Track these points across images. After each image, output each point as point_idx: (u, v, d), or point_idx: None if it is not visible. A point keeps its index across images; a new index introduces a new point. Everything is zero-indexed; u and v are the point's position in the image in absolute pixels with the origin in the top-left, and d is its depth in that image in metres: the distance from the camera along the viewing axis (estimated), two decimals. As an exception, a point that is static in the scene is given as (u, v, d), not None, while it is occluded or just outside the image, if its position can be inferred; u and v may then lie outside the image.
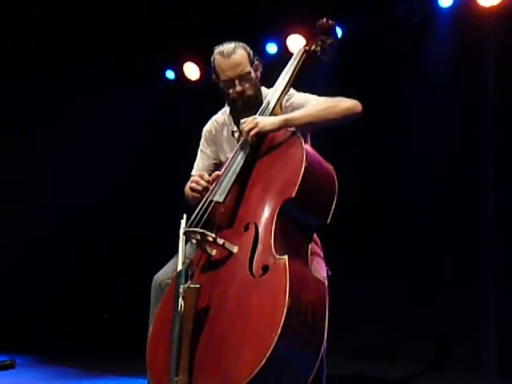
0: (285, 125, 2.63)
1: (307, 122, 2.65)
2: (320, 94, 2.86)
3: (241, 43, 2.89)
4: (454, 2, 4.83)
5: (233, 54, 2.83)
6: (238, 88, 2.85)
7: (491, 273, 4.63)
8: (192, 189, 2.74)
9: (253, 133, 2.62)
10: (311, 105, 2.76)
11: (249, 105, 2.88)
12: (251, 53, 2.90)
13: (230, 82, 2.86)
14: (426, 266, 4.80)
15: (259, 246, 2.38)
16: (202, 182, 2.71)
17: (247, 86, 2.86)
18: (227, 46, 2.86)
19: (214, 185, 2.70)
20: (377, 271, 4.95)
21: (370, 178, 5.10)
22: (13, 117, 6.33)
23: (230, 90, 2.87)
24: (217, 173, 2.73)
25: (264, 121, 2.65)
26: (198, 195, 2.70)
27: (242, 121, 2.71)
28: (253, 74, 2.88)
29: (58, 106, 6.36)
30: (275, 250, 2.32)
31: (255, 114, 2.80)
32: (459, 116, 4.82)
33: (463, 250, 4.75)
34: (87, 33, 5.97)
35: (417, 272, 4.81)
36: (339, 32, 4.82)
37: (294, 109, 2.81)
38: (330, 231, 2.61)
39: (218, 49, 2.88)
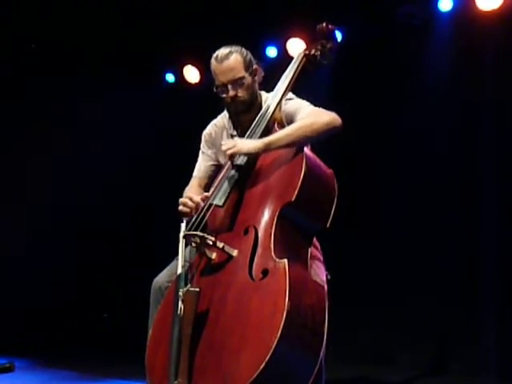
0: (265, 149, 2.61)
1: (287, 143, 2.61)
2: (319, 98, 2.86)
3: (238, 47, 2.88)
4: (453, 6, 4.84)
5: (225, 60, 2.83)
6: (231, 93, 2.84)
7: (491, 274, 4.64)
8: (180, 212, 2.70)
9: (229, 153, 2.62)
10: (300, 116, 2.73)
11: (243, 109, 2.87)
12: (248, 57, 2.88)
13: (223, 87, 2.86)
14: (425, 267, 4.80)
15: (259, 250, 2.38)
16: (190, 204, 2.68)
17: (240, 90, 2.84)
18: (222, 51, 2.86)
19: (213, 189, 2.70)
20: (376, 273, 4.95)
21: (370, 179, 5.11)
22: (13, 117, 6.34)
23: (224, 95, 2.88)
24: (206, 194, 2.72)
25: (243, 143, 2.64)
26: (187, 218, 2.66)
27: (222, 142, 2.74)
28: (247, 79, 2.86)
29: (59, 108, 6.37)
30: (275, 254, 2.32)
31: (255, 118, 2.81)
32: (459, 118, 4.83)
33: (463, 251, 4.76)
34: (88, 36, 5.97)
35: (416, 274, 4.82)
36: (339, 36, 4.83)
37: (286, 115, 2.81)
38: (329, 234, 2.61)
39: (215, 53, 2.89)
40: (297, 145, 2.59)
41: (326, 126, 2.64)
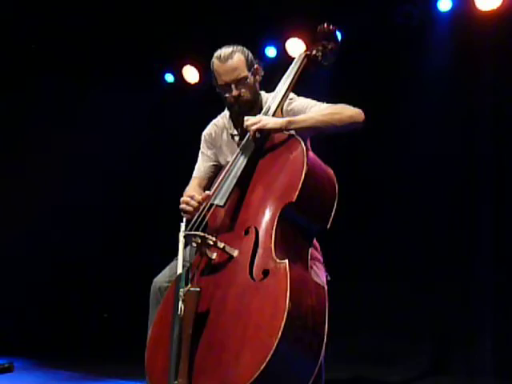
0: (287, 126, 2.64)
1: (310, 126, 2.66)
2: (320, 99, 2.87)
3: (240, 47, 2.89)
4: (452, 6, 4.84)
5: (229, 59, 2.84)
6: (234, 92, 2.85)
7: (489, 276, 4.64)
8: (183, 210, 2.70)
9: (254, 127, 2.63)
10: (314, 109, 2.76)
11: (246, 108, 2.88)
12: (250, 57, 2.89)
13: (227, 87, 2.86)
14: (424, 269, 4.81)
15: (259, 250, 2.38)
16: (193, 203, 2.68)
17: (243, 90, 2.85)
18: (224, 51, 2.87)
19: (214, 189, 2.70)
20: (375, 275, 4.95)
21: (370, 180, 5.11)
22: (13, 117, 6.34)
23: (227, 94, 2.88)
24: (207, 192, 2.71)
25: (267, 119, 2.67)
26: (189, 216, 2.67)
27: (245, 118, 2.71)
28: (250, 79, 2.87)
29: (59, 108, 6.37)
30: (275, 254, 2.33)
31: (256, 116, 2.82)
32: (458, 118, 4.83)
33: (462, 253, 4.75)
34: (87, 36, 5.97)
35: (415, 275, 4.82)
36: (340, 37, 4.83)
37: (295, 113, 2.81)
38: (329, 234, 2.61)
39: (217, 53, 2.89)
40: (319, 130, 2.62)
41: (350, 118, 2.68)
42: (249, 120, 2.67)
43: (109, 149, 6.31)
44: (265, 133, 2.66)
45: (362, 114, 2.72)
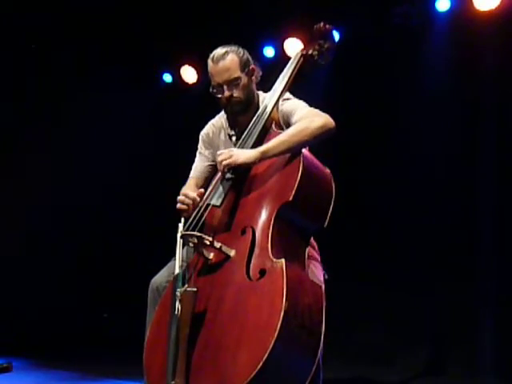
0: (261, 157, 2.58)
1: (282, 151, 2.58)
2: (316, 98, 2.86)
3: (234, 47, 2.87)
4: (451, 6, 4.84)
5: (221, 60, 2.82)
6: (226, 93, 2.83)
7: (489, 274, 4.65)
8: (179, 209, 2.70)
9: (225, 163, 2.58)
10: (298, 114, 2.72)
11: (239, 109, 2.87)
12: (246, 57, 2.87)
13: (219, 87, 2.85)
14: (423, 269, 4.81)
15: (256, 250, 2.39)
16: (188, 201, 2.68)
17: (235, 91, 2.83)
18: (218, 51, 2.85)
19: (210, 188, 2.70)
20: (374, 275, 4.95)
21: (368, 179, 5.11)
22: (13, 117, 6.35)
23: (219, 95, 2.87)
24: (201, 190, 2.72)
25: (239, 154, 2.60)
26: (187, 214, 2.67)
27: (218, 152, 2.70)
28: (243, 80, 2.84)
29: (58, 108, 6.38)
30: (272, 254, 2.33)
31: (252, 117, 2.81)
32: (457, 118, 4.83)
33: (460, 254, 4.76)
34: (86, 36, 5.98)
35: (414, 275, 4.82)
36: (337, 36, 4.83)
37: (283, 116, 2.80)
38: (327, 234, 2.62)
39: (211, 54, 2.88)
40: (293, 151, 2.57)
41: (320, 129, 2.62)
42: (220, 155, 2.62)
43: (107, 148, 6.32)
44: (237, 168, 2.60)
45: (331, 121, 2.65)
